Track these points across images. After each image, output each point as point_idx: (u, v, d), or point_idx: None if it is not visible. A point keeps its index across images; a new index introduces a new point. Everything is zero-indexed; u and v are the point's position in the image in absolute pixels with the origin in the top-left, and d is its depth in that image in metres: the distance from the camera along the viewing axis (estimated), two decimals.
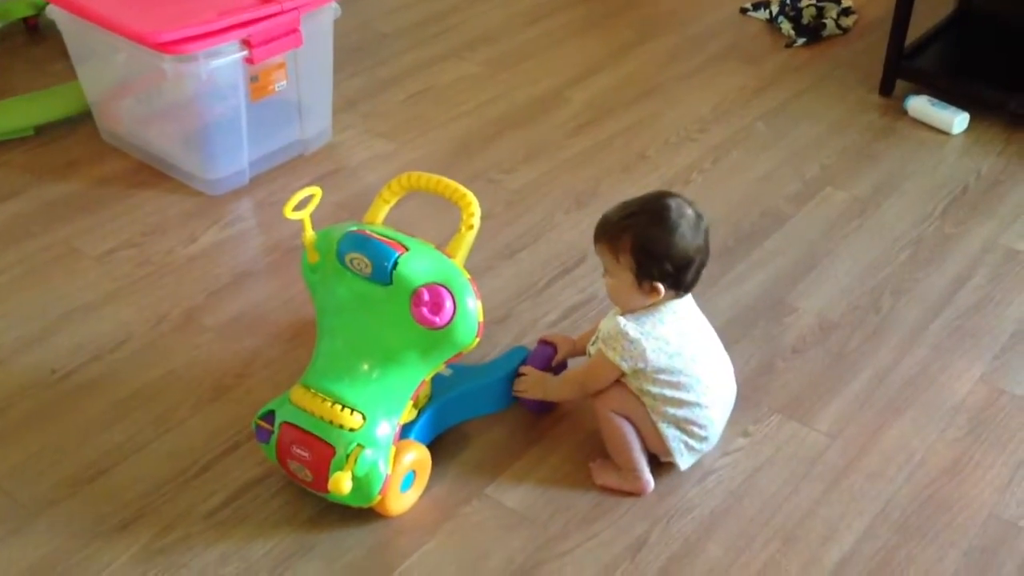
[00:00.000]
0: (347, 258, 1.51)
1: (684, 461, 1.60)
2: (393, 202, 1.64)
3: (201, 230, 2.14)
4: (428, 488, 1.59)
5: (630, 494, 1.59)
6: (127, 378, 1.77)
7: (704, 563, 1.51)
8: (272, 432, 1.50)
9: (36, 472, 1.61)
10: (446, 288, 1.47)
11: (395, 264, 1.47)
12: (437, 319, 1.46)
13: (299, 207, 1.53)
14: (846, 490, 1.62)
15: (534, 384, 1.66)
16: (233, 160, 2.23)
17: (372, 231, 1.53)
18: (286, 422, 1.49)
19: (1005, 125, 2.53)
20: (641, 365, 1.52)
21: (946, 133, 2.50)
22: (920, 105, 2.54)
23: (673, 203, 1.52)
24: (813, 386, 1.81)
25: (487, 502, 1.58)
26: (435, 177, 1.59)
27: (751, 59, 2.83)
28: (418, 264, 1.49)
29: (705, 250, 1.53)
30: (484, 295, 1.98)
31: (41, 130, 2.41)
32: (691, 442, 1.58)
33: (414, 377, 1.51)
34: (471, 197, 1.56)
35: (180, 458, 1.63)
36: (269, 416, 1.52)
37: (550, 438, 1.69)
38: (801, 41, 2.89)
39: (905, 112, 2.56)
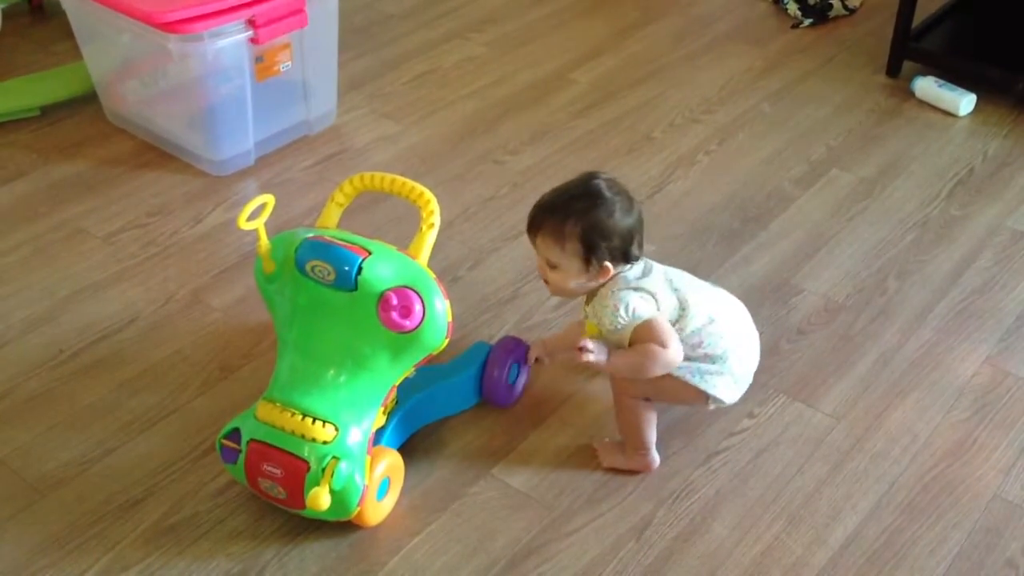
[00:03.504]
0: (308, 266, 1.44)
1: (711, 386, 1.54)
2: (347, 204, 1.58)
3: (207, 211, 2.14)
4: (436, 469, 1.60)
5: (636, 472, 1.60)
6: (134, 358, 1.78)
7: (709, 543, 1.51)
8: (239, 451, 1.44)
9: (44, 451, 1.62)
10: (413, 290, 1.42)
11: (359, 269, 1.42)
12: (407, 323, 1.41)
13: (252, 217, 1.46)
14: (851, 471, 1.63)
15: (598, 351, 1.50)
16: (238, 141, 2.23)
17: (331, 236, 1.47)
18: (254, 439, 1.43)
19: (1012, 106, 2.52)
20: (654, 301, 1.50)
21: (953, 115, 2.49)
22: (927, 86, 2.53)
23: (603, 183, 1.51)
24: (819, 368, 1.81)
25: (493, 482, 1.59)
26: (389, 176, 1.54)
27: (757, 40, 2.82)
28: (383, 268, 1.43)
29: (641, 222, 1.52)
30: (490, 276, 2.00)
31: (46, 111, 2.41)
32: (704, 366, 1.54)
33: (384, 383, 1.46)
34: (429, 195, 1.51)
35: (188, 437, 1.64)
36: (234, 434, 1.46)
37: (555, 419, 1.70)
38: (808, 22, 2.88)
39: (912, 93, 2.56)
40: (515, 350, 1.69)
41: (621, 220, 1.49)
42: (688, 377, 1.54)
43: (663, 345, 1.48)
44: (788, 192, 2.24)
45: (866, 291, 1.98)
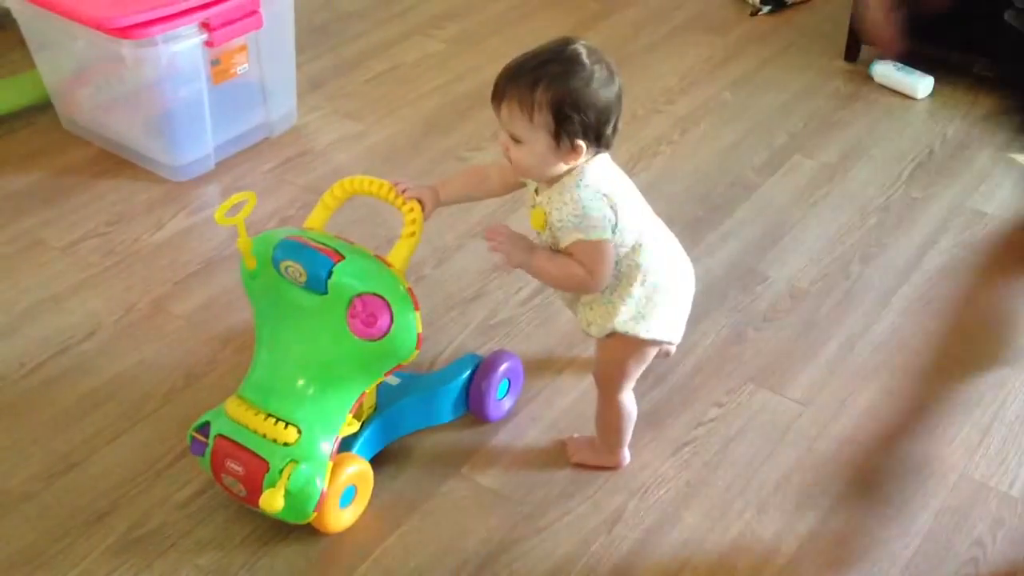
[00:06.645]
0: (282, 266, 1.45)
1: (652, 331, 1.44)
2: (335, 207, 1.57)
3: (167, 217, 2.12)
4: (405, 469, 1.59)
5: (606, 468, 1.60)
6: (97, 369, 1.76)
7: (680, 533, 1.52)
8: (207, 445, 1.45)
9: (9, 466, 1.59)
10: (382, 299, 1.41)
11: (330, 273, 1.42)
12: (372, 331, 1.41)
13: (232, 213, 1.46)
14: (819, 457, 1.63)
15: (512, 243, 1.39)
16: (197, 145, 2.20)
17: (308, 238, 1.47)
18: (221, 435, 1.44)
19: (970, 88, 2.54)
20: (614, 222, 1.36)
21: (912, 98, 2.51)
22: (886, 70, 2.55)
23: (582, 48, 1.35)
24: (785, 354, 1.82)
25: (463, 481, 1.58)
26: (377, 181, 1.53)
27: (717, 29, 2.82)
28: (354, 273, 1.43)
29: (621, 100, 1.36)
30: (455, 273, 1.99)
31: (0, 121, 2.37)
32: (641, 309, 1.42)
33: (352, 390, 1.46)
34: (414, 203, 1.50)
35: (153, 448, 1.62)
36: (204, 428, 1.47)
37: (523, 416, 1.69)
38: (766, 9, 2.88)
39: (871, 78, 2.57)
40: (507, 364, 1.65)
41: (599, 92, 1.32)
42: (632, 329, 1.42)
43: (591, 273, 1.36)
44: (751, 180, 2.25)
45: (830, 276, 1.99)
